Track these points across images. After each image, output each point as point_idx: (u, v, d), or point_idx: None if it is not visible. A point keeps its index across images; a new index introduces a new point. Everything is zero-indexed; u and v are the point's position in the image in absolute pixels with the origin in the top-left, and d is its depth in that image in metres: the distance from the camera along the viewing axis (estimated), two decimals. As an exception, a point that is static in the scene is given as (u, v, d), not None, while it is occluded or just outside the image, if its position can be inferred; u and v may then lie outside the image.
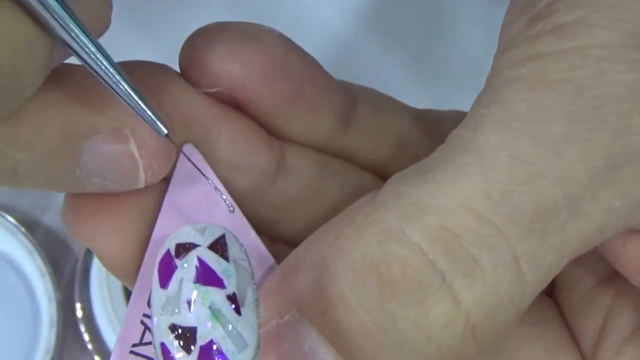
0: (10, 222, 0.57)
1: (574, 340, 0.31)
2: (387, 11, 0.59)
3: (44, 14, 0.22)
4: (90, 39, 0.23)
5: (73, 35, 0.22)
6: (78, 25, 0.22)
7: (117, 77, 0.24)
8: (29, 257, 0.56)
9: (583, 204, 0.24)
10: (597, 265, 0.31)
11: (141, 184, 0.27)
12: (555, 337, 0.31)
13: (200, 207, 0.28)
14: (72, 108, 0.25)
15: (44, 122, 0.25)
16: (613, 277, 0.30)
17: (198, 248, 0.25)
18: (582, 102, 0.23)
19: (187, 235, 0.25)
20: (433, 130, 0.34)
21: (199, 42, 0.29)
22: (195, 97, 0.29)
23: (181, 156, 0.28)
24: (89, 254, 0.58)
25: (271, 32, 0.30)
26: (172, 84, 0.28)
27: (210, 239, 0.25)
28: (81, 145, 0.25)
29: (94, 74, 0.24)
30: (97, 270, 0.57)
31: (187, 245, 0.25)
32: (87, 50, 0.23)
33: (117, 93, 0.24)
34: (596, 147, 0.23)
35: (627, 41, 0.23)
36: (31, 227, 0.58)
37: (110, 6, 0.25)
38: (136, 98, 0.24)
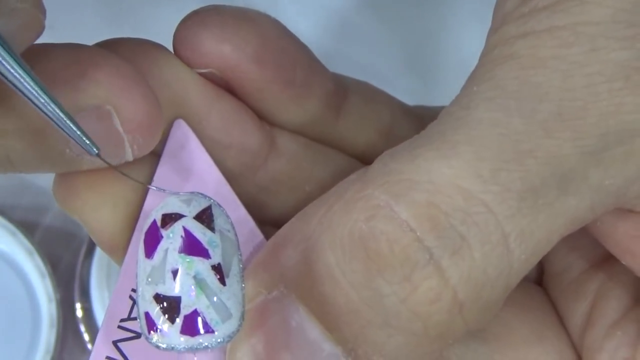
0: (10, 222, 0.57)
1: (563, 325, 0.30)
2: (384, 6, 0.59)
3: None
4: (18, 64, 0.22)
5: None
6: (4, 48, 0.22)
7: (45, 98, 0.23)
8: (29, 257, 0.56)
9: (573, 183, 0.23)
10: (586, 252, 0.31)
11: (129, 157, 0.27)
12: (544, 322, 0.31)
13: (190, 182, 0.28)
14: (54, 89, 0.25)
15: (30, 108, 0.25)
16: (601, 264, 0.30)
17: (184, 218, 0.25)
18: (574, 80, 0.23)
19: (173, 205, 0.25)
20: (424, 125, 0.34)
21: (193, 23, 0.29)
22: (188, 75, 0.29)
23: (171, 131, 0.28)
24: (89, 254, 0.57)
25: (266, 17, 0.30)
26: (165, 61, 0.29)
27: (196, 210, 0.25)
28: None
29: (23, 96, 0.23)
30: (97, 270, 0.57)
31: (172, 216, 0.25)
32: (13, 73, 0.23)
33: (47, 114, 0.24)
34: (587, 125, 0.23)
35: (621, 18, 0.23)
36: (31, 227, 0.58)
37: (43, 11, 0.24)
38: (66, 119, 0.24)
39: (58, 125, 0.24)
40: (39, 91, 0.23)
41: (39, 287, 0.56)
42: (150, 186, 0.28)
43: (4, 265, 0.56)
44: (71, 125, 0.24)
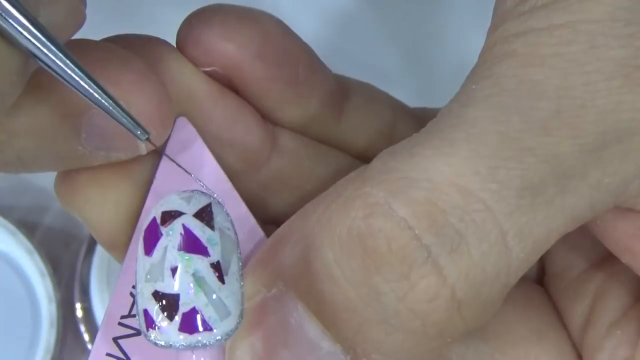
0: (10, 222, 0.57)
1: (564, 324, 0.30)
2: (385, 5, 0.59)
3: (9, 29, 0.21)
4: (58, 48, 0.22)
5: (41, 48, 0.22)
6: (45, 36, 0.22)
7: (93, 86, 0.23)
8: (29, 257, 0.56)
9: (572, 181, 0.23)
10: (586, 251, 0.31)
11: (143, 150, 0.27)
12: (545, 321, 0.30)
13: (191, 180, 0.28)
14: (66, 88, 0.25)
15: (40, 106, 0.25)
16: (601, 263, 0.30)
17: (183, 216, 0.25)
18: (573, 78, 0.23)
19: (173, 203, 0.25)
20: (425, 126, 0.34)
21: (196, 21, 0.29)
22: (192, 72, 0.29)
23: (174, 129, 0.28)
24: (89, 254, 0.57)
25: (268, 16, 0.30)
26: (169, 57, 0.29)
27: (196, 207, 0.25)
28: (79, 123, 0.26)
29: (68, 84, 0.23)
30: (97, 270, 0.57)
31: (172, 213, 0.25)
32: (57, 61, 0.22)
33: (92, 100, 0.24)
34: (586, 124, 0.23)
35: (620, 16, 0.23)
36: (31, 227, 0.58)
37: (83, 1, 0.24)
38: (112, 104, 0.24)
39: (105, 112, 0.24)
40: (86, 79, 0.23)
41: (39, 287, 0.56)
42: (165, 153, 0.28)
43: (4, 265, 0.56)
44: (118, 111, 0.24)
